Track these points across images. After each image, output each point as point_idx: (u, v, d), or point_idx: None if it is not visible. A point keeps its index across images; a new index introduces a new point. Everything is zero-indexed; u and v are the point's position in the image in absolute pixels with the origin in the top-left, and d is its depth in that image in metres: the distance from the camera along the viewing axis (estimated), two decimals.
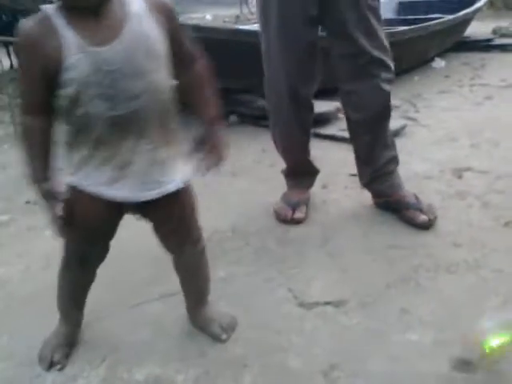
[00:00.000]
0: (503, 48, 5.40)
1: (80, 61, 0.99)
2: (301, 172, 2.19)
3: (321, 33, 1.96)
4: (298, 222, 2.03)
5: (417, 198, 2.01)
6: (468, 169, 2.45)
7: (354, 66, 1.89)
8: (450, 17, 4.82)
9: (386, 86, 1.93)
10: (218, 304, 1.50)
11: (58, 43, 0.98)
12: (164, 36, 1.07)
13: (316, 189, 2.30)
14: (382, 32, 1.89)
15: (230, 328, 1.44)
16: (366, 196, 2.23)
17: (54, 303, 1.61)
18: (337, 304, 1.54)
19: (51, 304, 1.61)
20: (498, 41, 5.66)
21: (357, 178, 2.43)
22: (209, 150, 1.21)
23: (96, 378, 1.32)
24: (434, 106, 3.63)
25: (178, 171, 1.18)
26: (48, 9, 1.01)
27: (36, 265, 1.86)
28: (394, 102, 3.62)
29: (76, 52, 0.99)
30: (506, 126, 3.04)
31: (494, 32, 6.00)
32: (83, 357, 1.39)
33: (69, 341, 1.41)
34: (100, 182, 1.11)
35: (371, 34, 1.84)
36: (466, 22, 5.34)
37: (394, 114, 3.36)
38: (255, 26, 5.43)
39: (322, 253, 1.82)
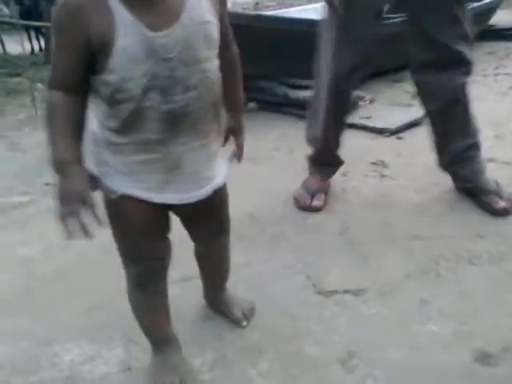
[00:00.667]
0: None
1: (133, 44, 0.88)
2: (326, 161, 2.16)
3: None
4: (316, 209, 2.01)
5: (497, 184, 1.98)
6: (492, 160, 2.39)
7: (433, 57, 1.86)
8: (475, 4, 4.70)
9: (464, 78, 1.92)
10: (236, 290, 1.49)
11: (110, 20, 0.86)
12: (218, 21, 0.99)
13: (336, 176, 2.28)
14: (465, 18, 1.84)
15: (250, 313, 1.43)
16: (387, 185, 2.21)
17: (72, 285, 1.63)
18: (356, 292, 1.52)
19: (71, 285, 1.63)
20: None
21: (377, 167, 2.40)
22: (236, 139, 1.19)
23: (114, 359, 1.32)
24: None
25: (222, 162, 1.13)
26: None
27: (56, 246, 1.87)
28: (414, 91, 3.60)
29: (130, 34, 0.87)
30: None
31: None
32: (101, 338, 1.39)
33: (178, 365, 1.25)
34: (150, 186, 1.01)
35: (454, 22, 1.80)
36: (491, 10, 5.20)
37: (415, 102, 3.34)
38: (275, 12, 5.37)
39: (341, 241, 1.80)
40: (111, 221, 1.07)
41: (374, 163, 2.44)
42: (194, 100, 0.97)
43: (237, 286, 1.50)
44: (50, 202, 2.17)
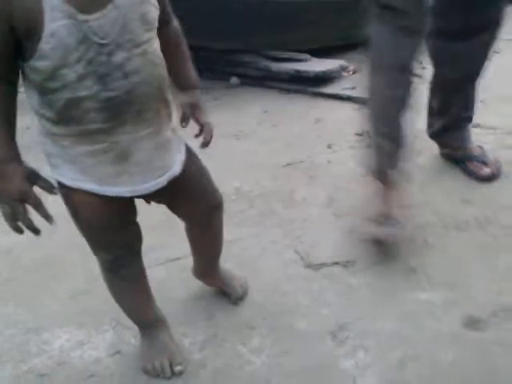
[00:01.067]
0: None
1: (63, 29, 0.80)
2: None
3: None
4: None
5: (482, 150, 1.97)
6: (477, 125, 2.37)
7: (467, 25, 1.71)
8: None
9: (491, 46, 1.80)
10: (224, 266, 1.48)
11: (36, 2, 0.79)
12: None
13: (321, 148, 2.26)
14: None
15: (246, 288, 1.43)
16: None
17: (58, 271, 1.61)
18: (344, 264, 1.52)
19: (55, 271, 1.61)
20: None
21: (362, 138, 2.38)
22: (197, 117, 1.13)
23: (103, 344, 1.31)
24: None
25: (179, 147, 1.07)
26: None
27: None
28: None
29: (58, 17, 0.79)
30: None
31: None
32: (90, 322, 1.38)
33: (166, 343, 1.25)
34: (101, 178, 0.96)
35: None
36: None
37: None
38: None
39: (328, 213, 1.79)
40: (70, 213, 1.04)
41: (359, 134, 2.41)
42: (136, 85, 0.90)
43: (225, 263, 1.48)
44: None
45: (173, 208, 1.18)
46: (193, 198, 1.16)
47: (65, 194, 1.01)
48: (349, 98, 2.88)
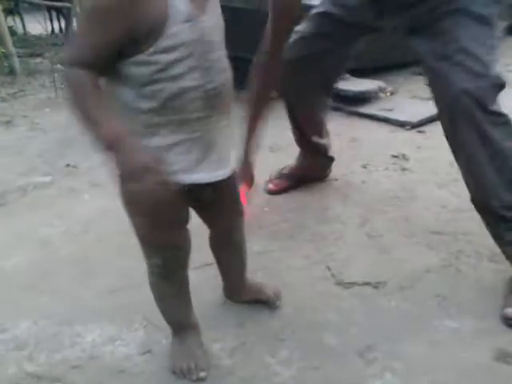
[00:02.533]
0: None
1: (185, 29, 0.92)
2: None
3: None
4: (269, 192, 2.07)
5: None
6: None
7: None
8: None
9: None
10: (254, 278, 1.50)
11: (163, 9, 0.89)
12: None
13: (356, 168, 2.27)
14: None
15: (279, 295, 1.45)
16: (407, 178, 2.20)
17: (93, 266, 1.65)
18: (375, 285, 1.52)
19: (92, 266, 1.65)
20: None
21: (398, 160, 2.39)
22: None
23: (134, 341, 1.34)
24: None
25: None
26: None
27: (76, 227, 1.89)
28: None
29: (182, 20, 0.91)
30: None
31: None
32: (121, 319, 1.41)
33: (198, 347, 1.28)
34: (182, 168, 1.02)
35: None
36: None
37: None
38: None
39: (361, 233, 1.80)
40: (131, 208, 1.06)
41: (394, 156, 2.42)
42: (226, 80, 1.03)
43: (254, 274, 1.51)
44: (70, 183, 2.22)
45: (208, 208, 1.20)
46: (228, 200, 1.23)
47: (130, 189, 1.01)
48: (385, 120, 2.89)
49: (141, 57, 0.91)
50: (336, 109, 3.04)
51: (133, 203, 1.05)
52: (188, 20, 0.93)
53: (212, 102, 1.00)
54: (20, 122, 3.17)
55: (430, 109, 2.93)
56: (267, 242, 1.74)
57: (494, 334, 1.32)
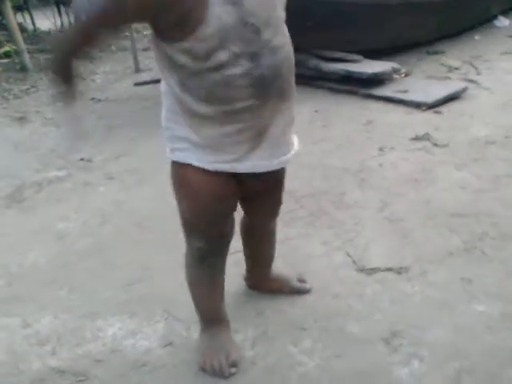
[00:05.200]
0: None
1: (225, 13, 0.84)
2: None
3: None
4: None
5: None
6: None
7: None
8: None
9: None
10: (274, 265, 1.47)
11: None
12: None
13: (372, 151, 2.23)
14: None
15: (304, 279, 1.44)
16: (426, 160, 2.15)
17: (110, 259, 1.64)
18: (398, 270, 1.49)
19: (109, 259, 1.65)
20: None
21: (415, 141, 2.34)
22: None
23: (155, 334, 1.33)
24: (497, 67, 3.41)
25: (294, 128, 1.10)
26: None
27: (92, 220, 1.88)
28: (453, 63, 3.48)
29: (222, 3, 0.84)
30: None
31: None
32: (142, 312, 1.40)
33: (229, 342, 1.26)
34: (234, 158, 0.99)
35: None
36: None
37: (453, 75, 3.24)
38: None
39: (381, 217, 1.76)
40: (182, 194, 1.05)
41: (411, 138, 2.36)
42: (282, 61, 0.94)
43: (274, 263, 1.48)
44: (85, 177, 2.22)
45: (255, 198, 1.18)
46: (276, 192, 1.21)
47: (185, 176, 1.03)
48: (401, 101, 2.83)
49: (182, 44, 0.86)
50: (349, 91, 3.00)
51: (186, 188, 1.05)
52: (229, 2, 0.85)
53: (263, 88, 0.92)
54: (33, 118, 3.17)
55: (446, 88, 2.91)
56: (285, 230, 1.71)
57: None
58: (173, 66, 0.90)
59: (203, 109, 0.93)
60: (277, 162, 1.03)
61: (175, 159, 1.02)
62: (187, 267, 1.18)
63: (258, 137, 0.98)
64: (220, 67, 0.87)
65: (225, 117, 0.93)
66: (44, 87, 3.89)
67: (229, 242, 1.15)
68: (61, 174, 2.29)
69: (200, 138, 0.97)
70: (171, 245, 1.59)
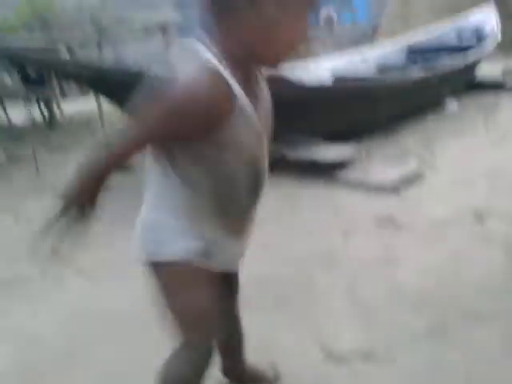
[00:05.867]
0: None
1: (244, 124, 0.94)
2: None
3: None
4: None
5: None
6: (488, 212, 2.44)
7: None
8: (461, 59, 4.91)
9: None
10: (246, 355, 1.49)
11: (232, 105, 0.90)
12: None
13: (337, 235, 2.32)
14: None
15: (278, 374, 1.47)
16: (390, 242, 2.25)
17: (81, 357, 1.62)
18: (365, 355, 1.52)
19: (78, 358, 1.63)
20: (509, 81, 5.71)
21: (378, 223, 2.44)
22: None
23: None
24: (449, 147, 3.65)
25: None
26: (217, 65, 0.89)
27: (65, 319, 1.88)
28: (409, 145, 3.70)
29: (243, 115, 0.92)
30: None
31: (504, 72, 6.06)
32: None
33: None
34: (228, 258, 1.09)
35: None
36: (476, 63, 5.41)
37: (409, 157, 3.44)
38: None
39: (347, 301, 1.81)
40: (178, 294, 1.05)
41: (374, 220, 2.48)
42: (266, 169, 1.06)
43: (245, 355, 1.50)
44: (56, 273, 2.22)
45: (229, 290, 1.27)
46: (233, 278, 1.28)
47: (183, 273, 1.03)
48: (362, 184, 2.98)
49: (194, 149, 0.93)
50: (313, 176, 3.13)
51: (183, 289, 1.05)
52: (247, 115, 0.94)
53: (257, 190, 1.05)
54: (3, 211, 3.19)
55: (404, 170, 3.08)
56: (253, 317, 1.73)
57: None
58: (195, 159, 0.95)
59: (204, 205, 1.01)
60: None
61: (170, 257, 1.02)
62: (176, 376, 1.12)
63: (240, 238, 1.09)
64: (229, 172, 0.98)
65: (222, 213, 1.02)
66: (17, 179, 3.93)
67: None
68: (32, 271, 2.29)
69: (198, 231, 1.02)
70: (147, 345, 1.58)
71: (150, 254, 1.03)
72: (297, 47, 0.94)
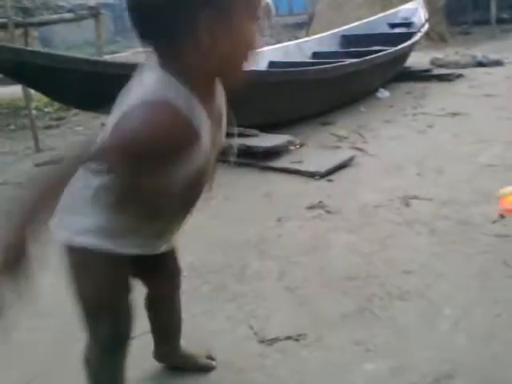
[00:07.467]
0: (440, 78, 5.70)
1: (206, 150, 0.98)
2: None
3: None
4: None
5: None
6: (415, 197, 2.56)
7: None
8: (392, 49, 5.08)
9: None
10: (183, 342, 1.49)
11: (194, 130, 0.93)
12: None
13: (271, 222, 2.35)
14: None
15: (213, 356, 1.48)
16: (321, 227, 2.31)
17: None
18: (296, 338, 1.56)
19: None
20: (436, 71, 5.98)
21: (310, 210, 2.50)
22: None
23: None
24: (380, 135, 3.78)
25: None
26: (181, 90, 0.89)
27: None
28: (342, 132, 3.80)
29: (206, 139, 0.97)
30: (447, 153, 3.21)
31: (432, 63, 6.34)
32: None
33: None
34: (133, 245, 1.08)
35: None
36: (406, 53, 5.62)
37: (342, 144, 3.54)
38: None
39: (279, 287, 1.85)
40: (87, 278, 1.07)
41: (307, 207, 2.53)
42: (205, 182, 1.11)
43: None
44: None
45: (147, 272, 1.26)
46: (168, 263, 1.30)
47: (88, 258, 1.05)
48: (296, 172, 3.03)
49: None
50: (248, 165, 3.15)
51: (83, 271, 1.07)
52: (206, 151, 0.97)
53: (192, 205, 1.12)
54: None
55: (337, 157, 3.17)
56: (189, 307, 1.74)
57: (408, 370, 1.41)
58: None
59: (126, 206, 1.01)
60: (165, 247, 1.19)
61: (81, 241, 1.04)
62: (93, 361, 1.16)
63: (158, 238, 1.14)
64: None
65: (143, 217, 1.04)
66: None
67: (133, 319, 1.18)
68: None
69: (112, 227, 1.03)
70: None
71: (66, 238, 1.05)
72: (250, 54, 0.94)
